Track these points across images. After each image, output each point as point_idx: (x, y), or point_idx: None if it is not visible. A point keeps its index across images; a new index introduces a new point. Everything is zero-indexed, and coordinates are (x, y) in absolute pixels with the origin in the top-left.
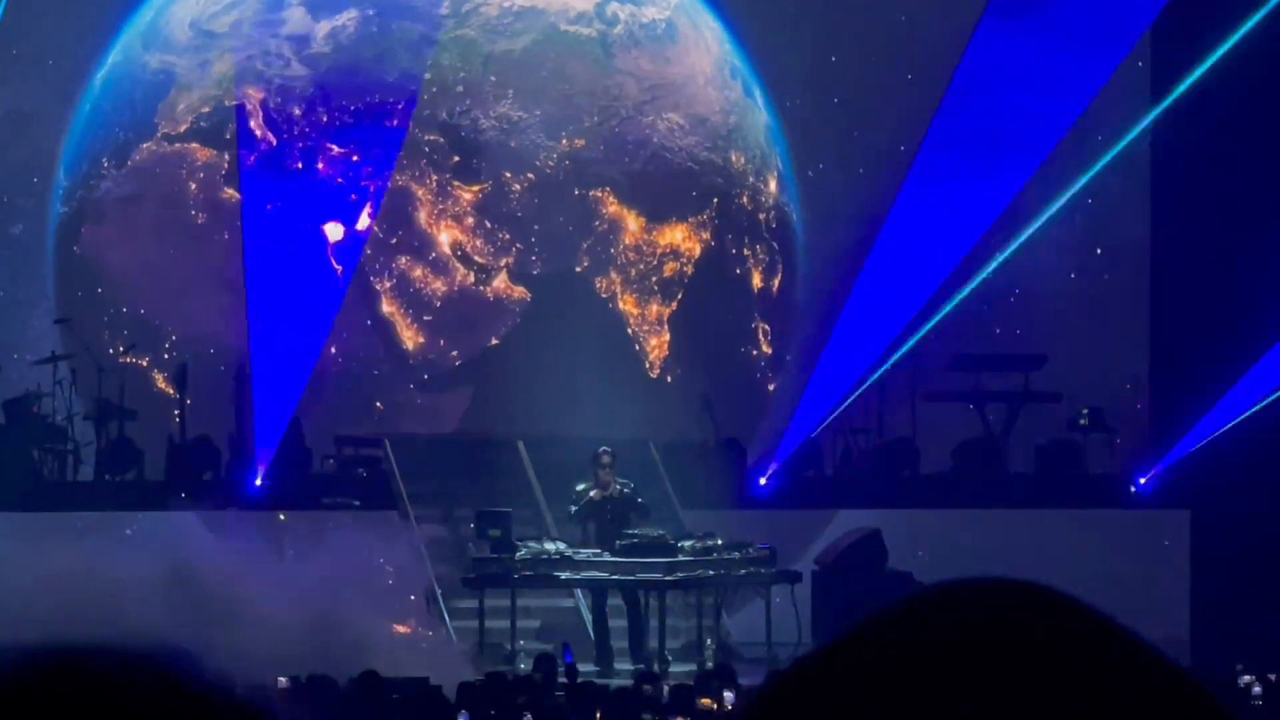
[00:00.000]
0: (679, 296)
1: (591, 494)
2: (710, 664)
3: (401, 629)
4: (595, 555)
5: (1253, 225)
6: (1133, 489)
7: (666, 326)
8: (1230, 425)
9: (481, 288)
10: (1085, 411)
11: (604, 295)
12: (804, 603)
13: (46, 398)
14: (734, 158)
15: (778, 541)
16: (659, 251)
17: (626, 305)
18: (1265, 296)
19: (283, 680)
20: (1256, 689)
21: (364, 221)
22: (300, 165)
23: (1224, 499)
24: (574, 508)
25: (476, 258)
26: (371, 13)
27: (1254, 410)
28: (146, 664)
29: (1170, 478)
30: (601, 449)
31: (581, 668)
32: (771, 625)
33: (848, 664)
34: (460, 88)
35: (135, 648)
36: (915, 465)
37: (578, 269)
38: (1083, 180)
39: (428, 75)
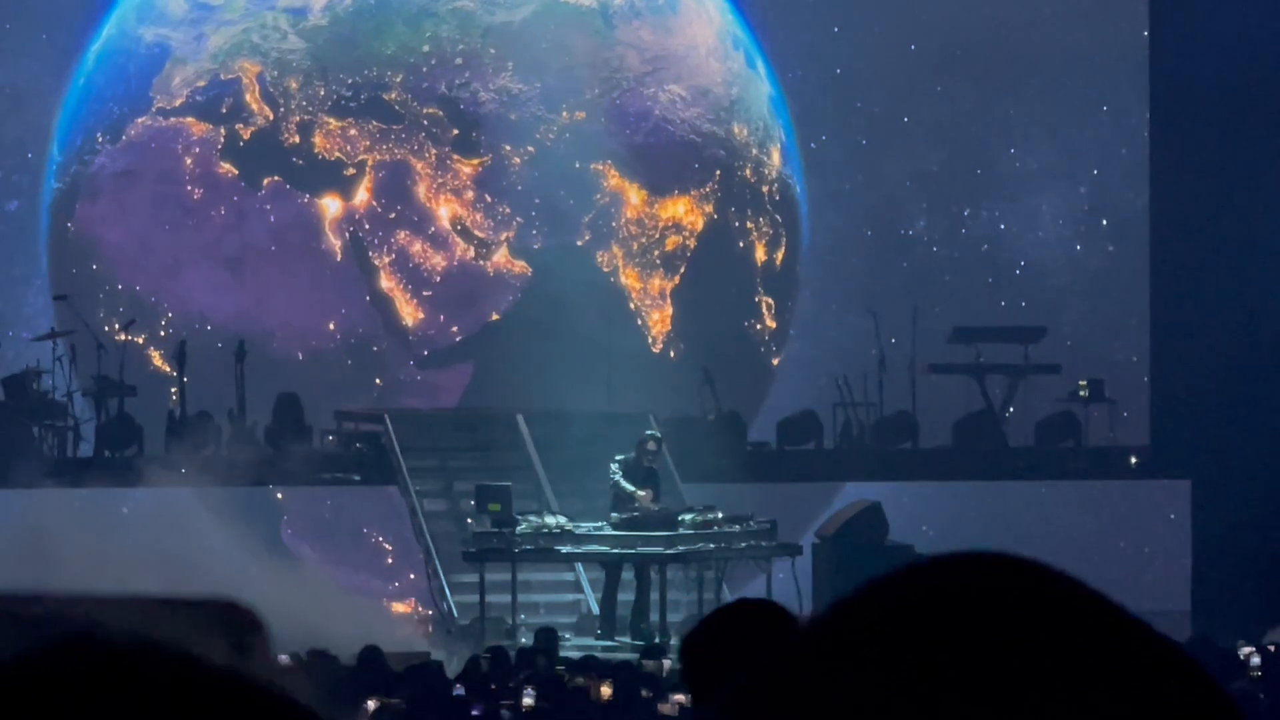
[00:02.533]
0: (681, 270)
1: (639, 495)
2: None
3: (401, 607)
4: (596, 529)
5: (1252, 197)
6: (1133, 460)
7: (669, 300)
8: (1231, 396)
9: (482, 262)
10: (1084, 383)
11: (605, 269)
12: (805, 576)
13: (45, 374)
14: (736, 130)
15: (778, 514)
16: (661, 225)
17: (628, 279)
18: (1263, 267)
19: (284, 657)
20: (1255, 659)
21: (361, 196)
22: (297, 139)
23: (1224, 469)
24: (618, 477)
25: (476, 232)
26: None
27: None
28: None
29: (1170, 448)
30: (648, 433)
31: (582, 641)
32: (773, 598)
33: (835, 636)
34: (459, 60)
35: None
36: (916, 438)
37: (579, 243)
38: None
39: (426, 47)
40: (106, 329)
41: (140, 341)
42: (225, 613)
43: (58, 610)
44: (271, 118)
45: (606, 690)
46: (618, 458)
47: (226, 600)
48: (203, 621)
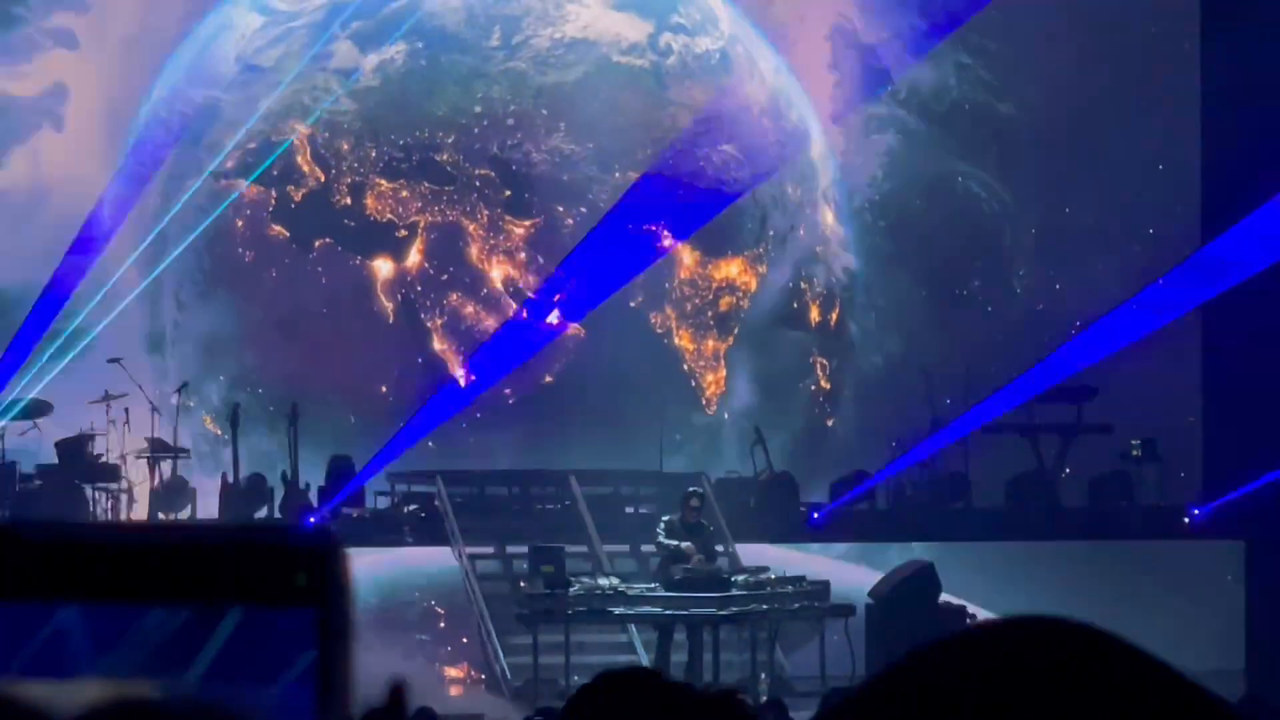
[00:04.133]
0: (735, 331)
1: (684, 547)
2: (764, 698)
3: (454, 670)
4: (649, 590)
5: None
6: (1186, 520)
7: (722, 362)
8: None
9: (535, 323)
10: (1137, 443)
11: (659, 330)
12: (858, 636)
13: (100, 437)
14: (790, 189)
15: (832, 575)
16: (715, 285)
17: (682, 340)
18: None
19: None
20: None
21: (413, 258)
22: (348, 201)
23: (1278, 529)
24: (662, 538)
25: (529, 293)
26: (420, 45)
27: None
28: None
29: (1225, 509)
30: (691, 489)
31: None
32: (825, 659)
33: (892, 697)
34: (511, 121)
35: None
36: (969, 497)
37: (632, 304)
38: None
39: (478, 108)
40: (159, 392)
41: (192, 405)
42: (306, 541)
43: (107, 539)
44: (323, 179)
45: None
46: (664, 518)
47: (311, 529)
48: (273, 552)
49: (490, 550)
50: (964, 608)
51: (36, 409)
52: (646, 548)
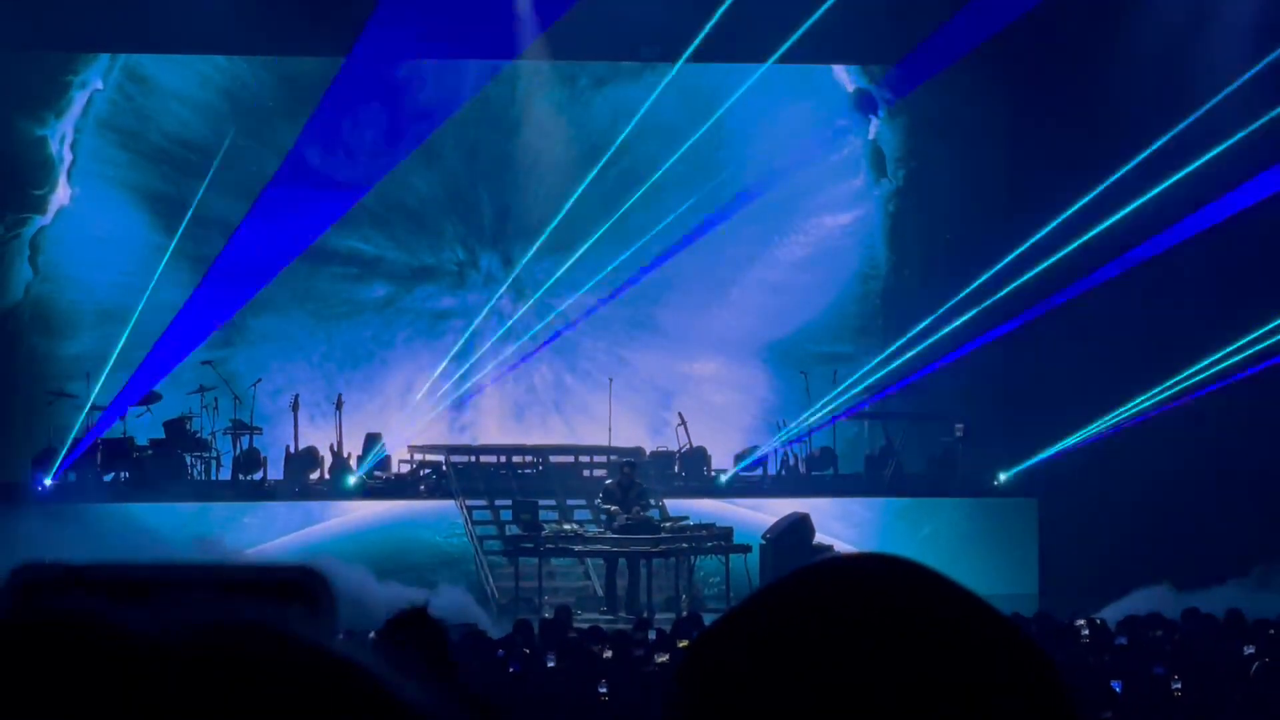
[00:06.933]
0: None
1: (612, 510)
2: (685, 612)
3: (455, 591)
4: (600, 533)
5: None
6: (995, 483)
7: None
8: (1066, 438)
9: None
10: (960, 427)
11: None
12: (754, 567)
13: (196, 418)
14: None
15: (735, 522)
16: None
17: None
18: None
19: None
20: (1085, 630)
21: None
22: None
23: (1062, 490)
24: (600, 503)
25: None
26: None
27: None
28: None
29: (1021, 474)
30: (623, 460)
31: (589, 615)
32: (730, 584)
33: (749, 623)
34: None
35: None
36: (836, 466)
37: None
38: None
39: None
40: (243, 385)
41: (264, 395)
42: (299, 576)
43: (154, 576)
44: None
45: (608, 653)
46: (606, 482)
47: (300, 565)
48: (276, 584)
49: (483, 504)
50: (831, 546)
51: (149, 398)
52: (597, 502)
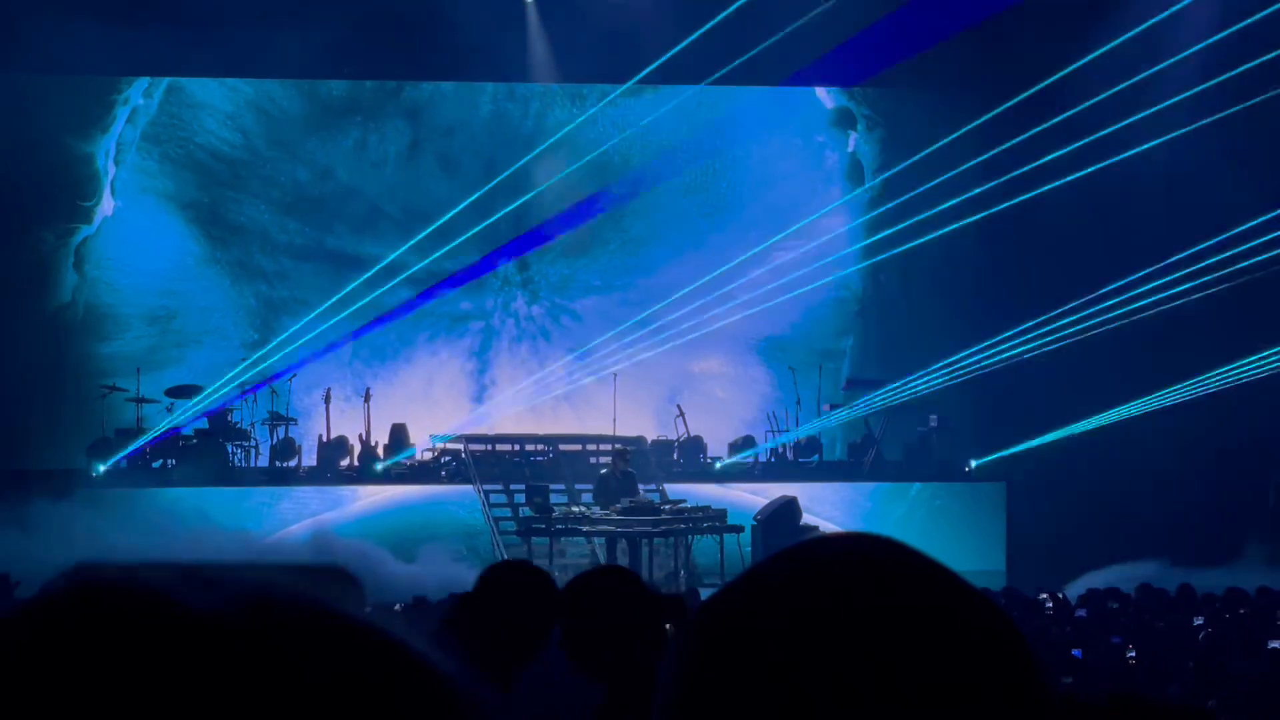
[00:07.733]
0: None
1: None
2: (684, 588)
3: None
4: (604, 514)
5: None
6: (966, 469)
7: None
8: (1026, 428)
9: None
10: (934, 418)
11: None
12: (746, 545)
13: (236, 410)
14: None
15: (729, 504)
16: None
17: None
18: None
19: (397, 606)
20: (1048, 604)
21: None
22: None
23: (1027, 476)
24: (594, 493)
25: None
26: None
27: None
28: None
29: (992, 462)
30: (617, 447)
31: None
32: (724, 561)
33: (745, 595)
34: None
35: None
36: (821, 454)
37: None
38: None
39: None
40: (278, 379)
41: (299, 389)
42: (329, 577)
43: (206, 575)
44: None
45: None
46: (601, 472)
47: (331, 565)
48: (309, 584)
49: (499, 488)
50: (817, 527)
51: (190, 391)
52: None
